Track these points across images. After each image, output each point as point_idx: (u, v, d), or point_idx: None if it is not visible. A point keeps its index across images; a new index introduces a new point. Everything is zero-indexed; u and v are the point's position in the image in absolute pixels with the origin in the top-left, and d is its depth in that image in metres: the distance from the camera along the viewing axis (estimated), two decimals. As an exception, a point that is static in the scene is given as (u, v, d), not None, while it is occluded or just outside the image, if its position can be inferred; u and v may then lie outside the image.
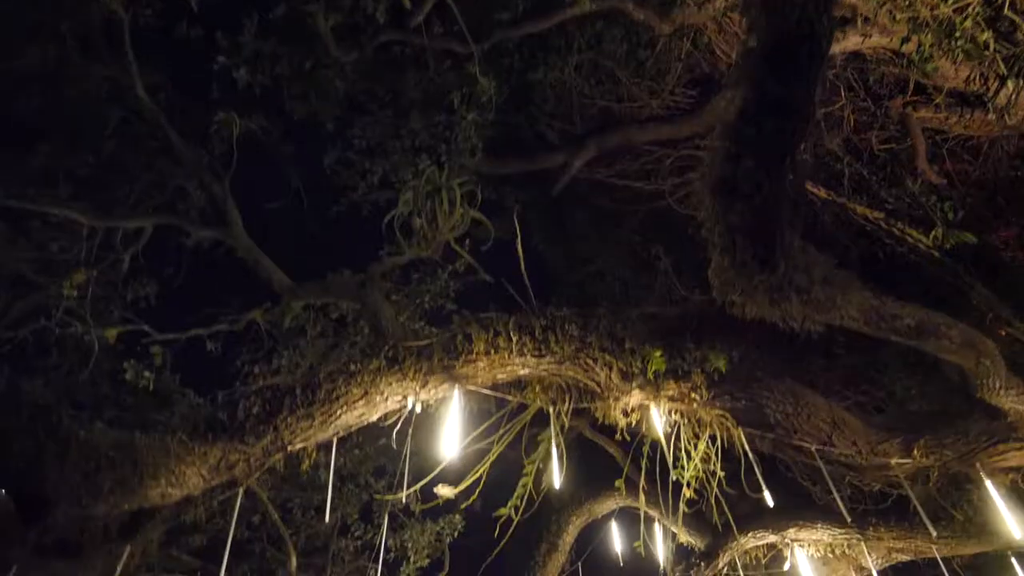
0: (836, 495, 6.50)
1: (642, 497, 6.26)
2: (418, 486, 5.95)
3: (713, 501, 5.55)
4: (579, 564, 10.16)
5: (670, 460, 5.30)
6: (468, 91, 7.01)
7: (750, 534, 8.97)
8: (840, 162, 9.57)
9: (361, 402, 5.52)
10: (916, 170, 9.25)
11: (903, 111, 9.37)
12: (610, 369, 5.57)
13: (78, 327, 5.95)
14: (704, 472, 5.60)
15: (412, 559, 9.10)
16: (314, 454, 5.66)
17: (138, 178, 8.00)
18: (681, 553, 9.58)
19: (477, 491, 6.01)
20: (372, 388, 5.53)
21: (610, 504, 10.12)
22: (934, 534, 7.20)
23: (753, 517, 9.16)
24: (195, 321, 7.15)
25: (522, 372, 5.75)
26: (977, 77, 8.44)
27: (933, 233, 8.42)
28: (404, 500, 9.88)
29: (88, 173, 7.87)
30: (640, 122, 10.14)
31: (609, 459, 12.00)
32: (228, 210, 6.92)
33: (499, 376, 5.76)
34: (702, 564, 8.91)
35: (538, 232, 10.84)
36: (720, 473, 5.55)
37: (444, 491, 5.48)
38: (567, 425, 5.77)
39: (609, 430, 11.54)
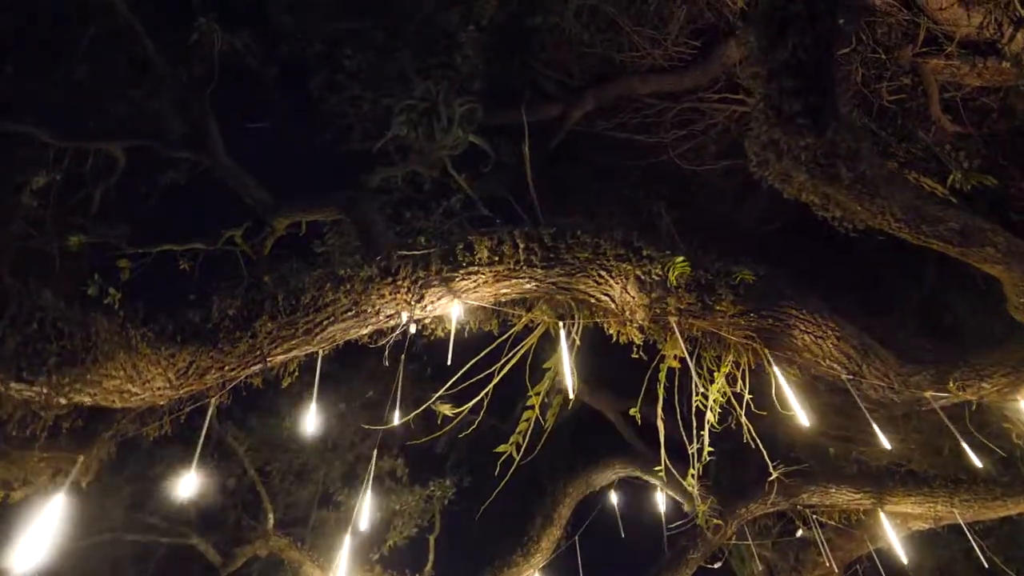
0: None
1: (659, 456, 5.68)
2: (412, 415, 5.38)
3: (743, 424, 5.00)
4: (576, 538, 9.60)
5: (694, 376, 4.77)
6: (468, 10, 6.52)
7: (759, 501, 8.46)
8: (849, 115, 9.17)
9: (350, 313, 4.96)
10: (929, 120, 8.87)
11: (914, 60, 9.00)
12: (626, 280, 5.06)
13: (39, 238, 5.37)
14: (729, 395, 5.08)
15: (400, 526, 8.50)
16: (296, 372, 5.09)
17: (111, 108, 7.42)
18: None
19: (477, 421, 5.46)
20: (362, 299, 4.98)
21: (608, 475, 9.57)
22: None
23: (763, 483, 8.66)
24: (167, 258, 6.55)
25: (528, 286, 5.22)
26: (991, 22, 8.08)
27: (950, 178, 8.00)
28: (396, 469, 9.30)
29: (59, 98, 7.28)
30: (641, 73, 9.71)
31: (606, 430, 11.49)
32: (208, 129, 6.37)
33: (503, 290, 5.23)
34: (709, 532, 8.36)
35: (531, 211, 10.34)
36: (747, 396, 5.02)
37: (443, 408, 4.92)
38: (577, 343, 5.23)
39: (609, 391, 11.06)
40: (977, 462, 5.35)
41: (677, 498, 8.97)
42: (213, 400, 4.58)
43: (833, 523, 8.51)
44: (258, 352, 4.68)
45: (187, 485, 4.22)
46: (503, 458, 5.64)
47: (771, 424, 6.71)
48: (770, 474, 9.10)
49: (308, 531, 8.43)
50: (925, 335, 8.60)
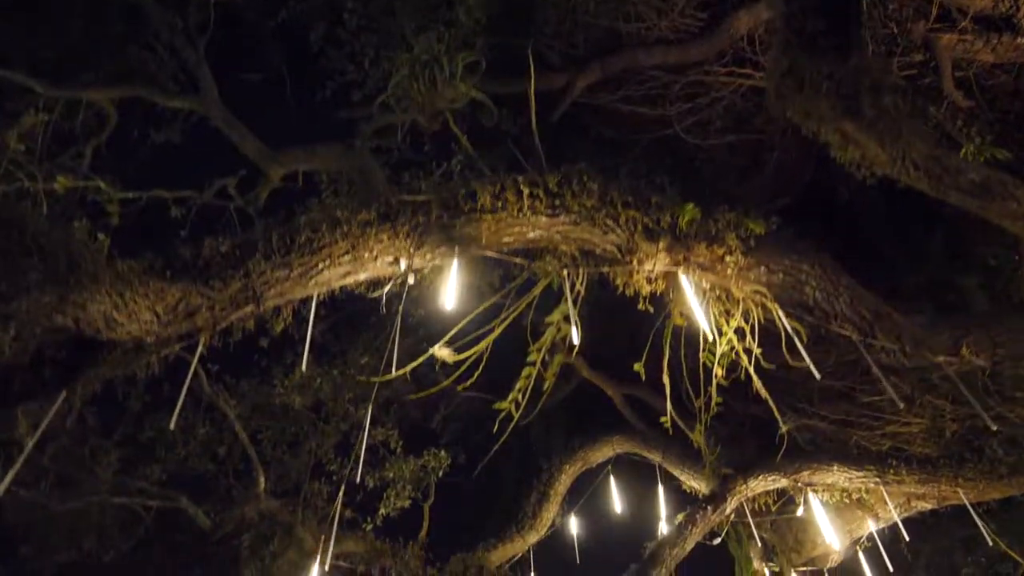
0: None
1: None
2: (409, 367, 5.20)
3: (751, 373, 4.82)
4: (571, 514, 9.45)
5: (703, 325, 4.60)
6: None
7: (760, 478, 8.31)
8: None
9: (346, 257, 4.78)
10: (942, 96, 8.72)
11: (927, 35, 8.84)
12: (633, 228, 4.89)
13: (24, 180, 5.16)
14: (739, 350, 4.91)
15: (393, 497, 8.31)
16: (290, 317, 4.90)
17: (105, 61, 7.22)
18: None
19: (476, 374, 5.29)
20: (360, 243, 4.80)
21: (606, 451, 9.41)
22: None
23: (763, 459, 8.52)
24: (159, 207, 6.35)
25: (532, 235, 5.05)
26: (1007, -4, 7.96)
27: (963, 151, 7.85)
28: (390, 440, 9.12)
29: (52, 52, 7.08)
30: (647, 44, 9.53)
31: (604, 406, 11.33)
32: (202, 77, 6.18)
33: (505, 239, 5.06)
34: (708, 509, 8.21)
35: (535, 160, 10.16)
36: (756, 350, 4.85)
37: (442, 352, 4.74)
38: (582, 295, 5.06)
39: (607, 369, 10.90)
40: (992, 425, 5.16)
41: (676, 473, 8.82)
42: (203, 339, 4.39)
43: (834, 502, 8.35)
44: (250, 292, 4.49)
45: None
46: (501, 417, 5.45)
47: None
48: (770, 452, 8.98)
49: (300, 502, 8.24)
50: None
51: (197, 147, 7.51)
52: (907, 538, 7.58)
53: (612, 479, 9.21)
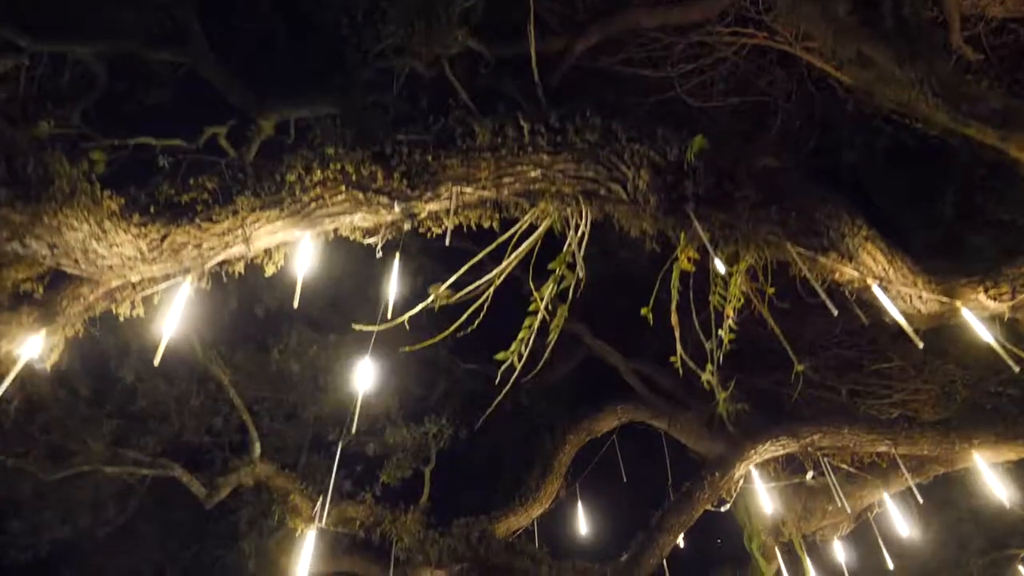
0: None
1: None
2: (407, 315, 4.99)
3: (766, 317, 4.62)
4: (576, 485, 9.26)
5: (714, 263, 4.39)
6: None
7: (769, 443, 8.12)
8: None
9: (339, 197, 4.58)
10: (949, 48, 8.49)
11: (935, -16, 8.61)
12: (639, 164, 4.68)
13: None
14: (750, 291, 4.70)
15: (393, 468, 8.11)
16: (281, 260, 4.70)
17: (91, 18, 6.99)
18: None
19: (476, 322, 5.08)
20: (353, 183, 4.59)
21: (611, 421, 9.22)
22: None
23: (772, 424, 8.33)
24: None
25: (533, 174, 4.83)
26: (1019, -55, 7.75)
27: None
28: (390, 411, 8.91)
29: (36, 12, 6.84)
30: (647, 5, 9.30)
31: (608, 383, 11.14)
32: (191, 31, 5.97)
33: (505, 179, 4.85)
34: (716, 474, 8.01)
35: (536, 103, 9.95)
36: (769, 290, 4.65)
37: (441, 292, 4.54)
38: (586, 237, 4.85)
39: (610, 339, 10.70)
40: (1015, 367, 4.96)
41: (683, 440, 8.63)
42: (191, 282, 4.18)
43: (845, 467, 8.16)
44: (239, 231, 4.30)
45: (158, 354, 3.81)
46: (503, 369, 5.23)
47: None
48: (778, 421, 8.78)
49: (297, 475, 8.04)
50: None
51: (188, 109, 7.30)
52: (920, 500, 7.38)
53: (617, 448, 9.04)
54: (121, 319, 4.30)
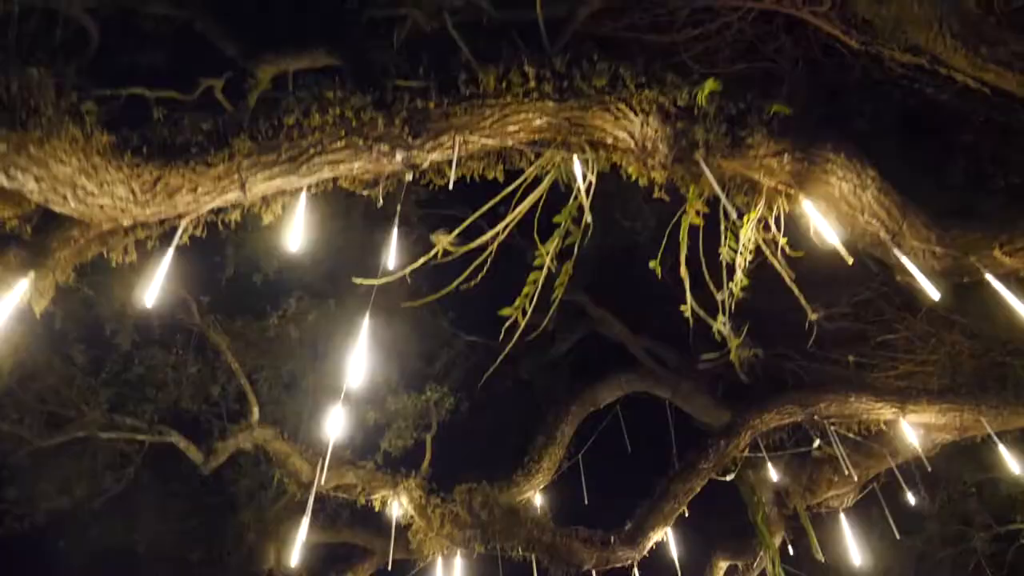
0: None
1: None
2: (410, 268, 4.87)
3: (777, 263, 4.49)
4: (579, 456, 9.16)
5: (727, 208, 4.26)
6: None
7: (775, 411, 8.00)
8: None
9: (338, 144, 4.43)
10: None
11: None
12: (648, 111, 4.55)
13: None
14: (762, 241, 4.57)
15: (393, 437, 8.01)
16: (279, 208, 4.57)
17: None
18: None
19: (480, 275, 4.95)
20: (353, 129, 4.45)
21: (614, 391, 9.10)
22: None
23: (778, 392, 8.22)
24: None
25: (538, 122, 4.70)
26: None
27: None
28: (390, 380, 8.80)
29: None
30: (653, -32, 9.13)
31: (608, 353, 11.04)
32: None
33: (510, 127, 4.71)
34: (722, 443, 7.90)
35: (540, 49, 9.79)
36: (782, 240, 4.52)
37: (443, 238, 4.41)
38: (593, 187, 4.71)
39: (613, 306, 10.59)
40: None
41: (687, 410, 8.52)
42: (184, 227, 4.05)
43: (852, 435, 8.05)
44: (235, 176, 4.15)
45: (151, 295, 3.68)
46: (507, 325, 5.11)
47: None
48: (783, 390, 8.67)
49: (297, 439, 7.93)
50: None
51: (184, 70, 7.12)
52: (930, 468, 7.28)
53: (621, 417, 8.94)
54: (116, 293, 4.21)
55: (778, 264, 4.37)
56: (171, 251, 3.78)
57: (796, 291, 4.34)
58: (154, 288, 3.61)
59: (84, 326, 7.52)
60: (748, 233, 4.41)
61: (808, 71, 9.59)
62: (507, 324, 5.13)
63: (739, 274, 4.41)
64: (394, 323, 8.68)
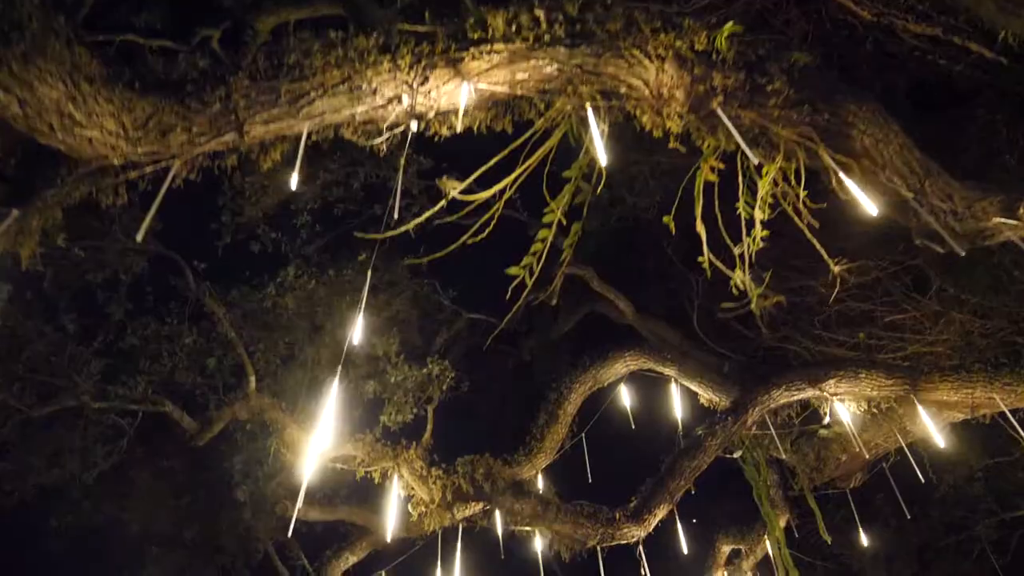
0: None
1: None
2: (415, 223, 4.68)
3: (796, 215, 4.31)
4: (583, 435, 8.99)
5: (747, 157, 4.08)
6: None
7: (783, 387, 7.83)
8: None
9: (341, 87, 4.23)
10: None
11: None
12: (663, 57, 4.36)
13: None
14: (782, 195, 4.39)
15: (393, 412, 7.83)
16: (278, 155, 4.37)
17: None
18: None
19: (489, 229, 4.76)
20: (356, 72, 4.25)
21: (618, 368, 8.92)
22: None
23: (787, 368, 8.05)
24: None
25: (549, 70, 4.49)
26: None
27: (1003, 34, 7.29)
28: (390, 353, 8.62)
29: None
30: (661, -63, 8.94)
31: (610, 334, 10.88)
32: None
33: (519, 75, 4.51)
34: (729, 420, 7.73)
35: None
36: (802, 193, 4.34)
37: (449, 184, 4.22)
38: (606, 135, 4.52)
39: (615, 280, 10.41)
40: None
41: (693, 388, 8.35)
42: (177, 168, 3.86)
43: (863, 412, 7.89)
44: (232, 116, 3.96)
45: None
46: (514, 284, 4.92)
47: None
48: (791, 366, 8.51)
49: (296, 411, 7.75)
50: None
51: (182, 31, 6.93)
52: (942, 444, 7.11)
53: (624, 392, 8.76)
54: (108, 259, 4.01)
55: (798, 220, 4.18)
56: (163, 189, 3.58)
57: (816, 244, 4.16)
58: (145, 224, 3.42)
59: (75, 294, 7.32)
60: (767, 187, 4.22)
61: (819, 44, 9.42)
62: (514, 283, 4.94)
63: (757, 227, 4.22)
64: (395, 300, 8.52)
